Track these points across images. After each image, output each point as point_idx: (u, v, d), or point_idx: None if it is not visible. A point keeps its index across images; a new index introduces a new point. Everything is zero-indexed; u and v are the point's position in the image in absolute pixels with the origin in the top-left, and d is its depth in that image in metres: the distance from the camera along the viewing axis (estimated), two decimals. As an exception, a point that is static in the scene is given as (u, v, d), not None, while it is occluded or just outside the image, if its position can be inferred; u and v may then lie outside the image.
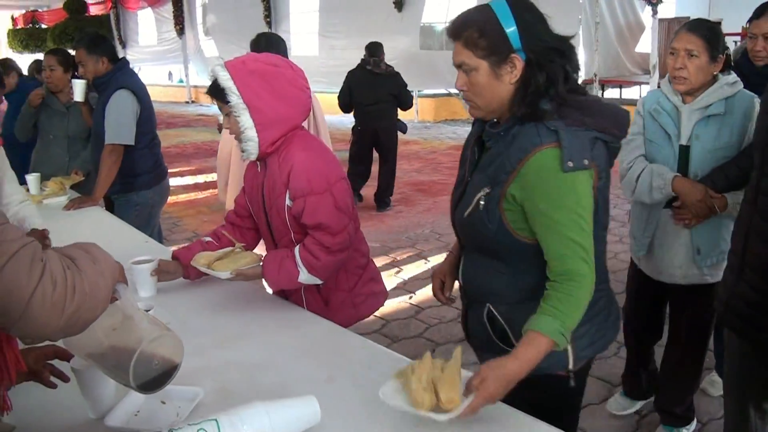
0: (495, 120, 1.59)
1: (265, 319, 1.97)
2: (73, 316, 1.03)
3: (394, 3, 12.36)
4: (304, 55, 12.69)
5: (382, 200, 6.81)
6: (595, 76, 10.94)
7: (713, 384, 3.03)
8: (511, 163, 1.50)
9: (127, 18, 20.59)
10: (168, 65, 20.49)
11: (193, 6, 17.74)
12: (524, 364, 1.40)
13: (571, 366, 1.59)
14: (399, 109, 6.73)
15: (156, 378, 1.32)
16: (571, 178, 1.45)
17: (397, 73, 6.64)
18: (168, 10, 18.07)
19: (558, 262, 1.47)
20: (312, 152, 2.03)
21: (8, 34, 23.73)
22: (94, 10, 21.37)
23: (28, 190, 3.54)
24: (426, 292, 4.48)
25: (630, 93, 12.80)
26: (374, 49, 6.61)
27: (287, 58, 2.26)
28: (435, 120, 13.96)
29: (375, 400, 1.51)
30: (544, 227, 1.49)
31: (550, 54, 1.49)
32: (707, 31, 2.30)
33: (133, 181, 3.66)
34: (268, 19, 14.99)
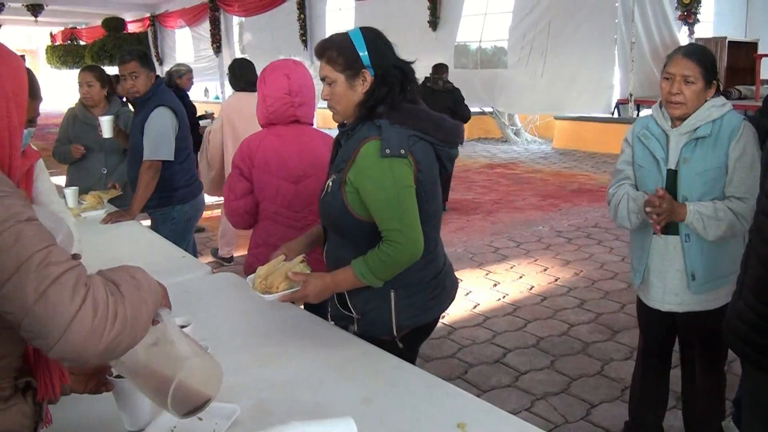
0: (345, 123, 1.97)
1: (302, 338, 1.96)
2: (113, 342, 1.03)
3: (428, 22, 12.43)
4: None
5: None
6: (631, 95, 10.83)
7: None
8: (349, 153, 1.89)
9: (164, 36, 21.03)
10: (204, 82, 20.82)
11: (229, 25, 18.06)
12: (337, 283, 1.92)
13: (395, 332, 1.97)
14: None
15: (192, 408, 1.32)
16: (388, 163, 1.82)
17: (454, 89, 7.36)
18: (205, 28, 18.42)
19: (382, 230, 1.85)
20: None
21: (47, 50, 24.38)
22: (133, 28, 21.87)
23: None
24: (459, 313, 4.44)
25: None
26: (436, 69, 7.57)
27: (256, 80, 2.86)
28: (468, 138, 13.94)
29: (413, 423, 1.49)
30: (372, 203, 1.85)
31: (393, 71, 1.88)
32: (703, 56, 2.29)
33: (171, 196, 3.71)
34: (304, 38, 15.20)
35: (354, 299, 1.98)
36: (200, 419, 1.51)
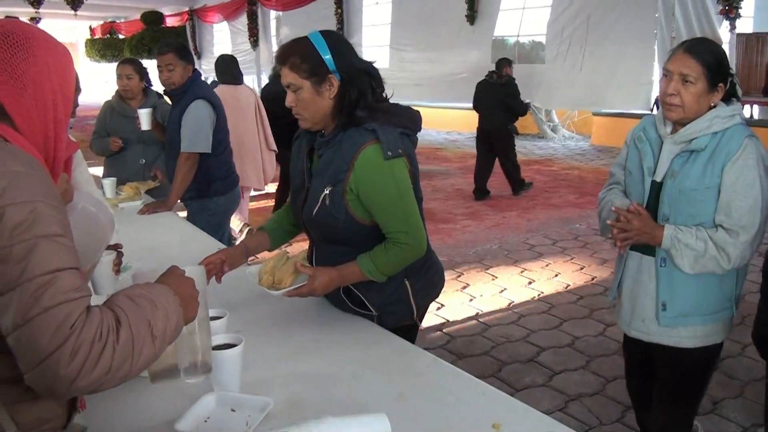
0: (322, 132, 1.94)
1: (335, 332, 1.95)
2: (95, 382, 0.99)
3: (466, 16, 12.31)
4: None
5: (513, 189, 7.95)
6: (671, 92, 10.60)
7: None
8: (345, 162, 1.85)
9: (202, 30, 21.23)
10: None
11: (267, 19, 18.16)
12: (344, 277, 1.92)
13: (415, 316, 2.06)
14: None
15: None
16: (390, 165, 1.83)
17: (508, 83, 7.59)
18: (243, 22, 18.54)
19: (387, 232, 1.89)
20: None
21: (86, 43, 24.79)
22: (171, 22, 22.11)
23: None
24: (494, 310, 4.40)
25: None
26: (498, 63, 7.98)
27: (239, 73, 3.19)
28: (504, 134, 13.80)
29: (447, 421, 1.47)
30: (376, 208, 1.87)
31: (359, 74, 1.86)
32: (708, 54, 1.97)
33: (207, 188, 3.74)
34: (341, 32, 15.19)
35: (371, 298, 2.00)
36: (233, 411, 1.51)
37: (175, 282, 1.25)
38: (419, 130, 2.00)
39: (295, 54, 1.84)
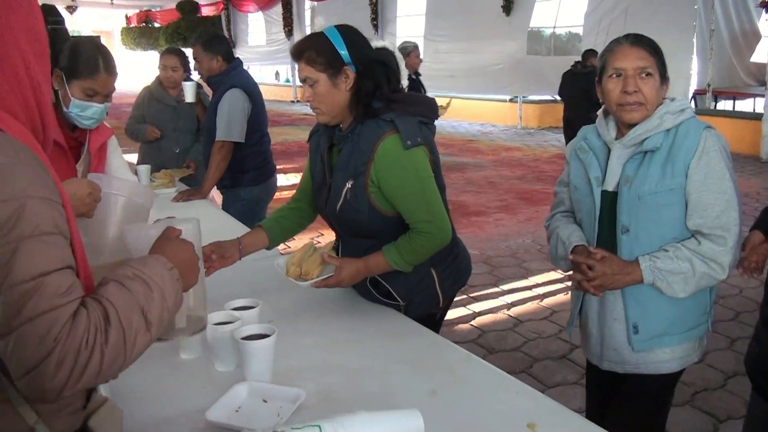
0: (339, 127, 1.93)
1: (368, 325, 1.94)
2: (86, 383, 0.96)
3: (502, 7, 12.19)
4: (408, 58, 12.78)
5: None
6: (709, 86, 10.38)
7: None
8: (365, 154, 1.85)
9: (237, 19, 21.38)
10: (275, 65, 21.13)
11: (301, 8, 18.21)
12: (370, 268, 1.93)
13: (441, 304, 2.07)
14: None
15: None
16: (410, 154, 1.83)
17: (592, 73, 7.64)
18: (277, 12, 18.63)
19: (411, 222, 1.88)
20: None
21: (122, 32, 25.12)
22: (206, 11, 22.29)
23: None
24: (526, 305, 4.35)
25: (744, 105, 12.08)
26: (584, 54, 8.49)
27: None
28: (539, 126, 13.67)
29: (480, 418, 1.44)
30: (398, 198, 1.87)
31: (374, 65, 1.87)
32: (652, 43, 1.82)
33: (241, 177, 3.75)
34: (375, 22, 15.17)
35: (398, 289, 2.00)
36: (265, 401, 1.51)
37: (172, 250, 1.19)
38: (436, 117, 2.00)
39: (311, 48, 1.85)
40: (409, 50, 6.22)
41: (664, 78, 1.82)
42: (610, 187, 1.85)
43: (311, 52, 1.85)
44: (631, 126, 1.82)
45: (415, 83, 6.15)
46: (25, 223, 0.92)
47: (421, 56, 6.60)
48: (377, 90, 1.87)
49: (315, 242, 2.06)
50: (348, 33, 1.88)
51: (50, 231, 0.94)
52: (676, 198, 1.77)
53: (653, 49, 1.80)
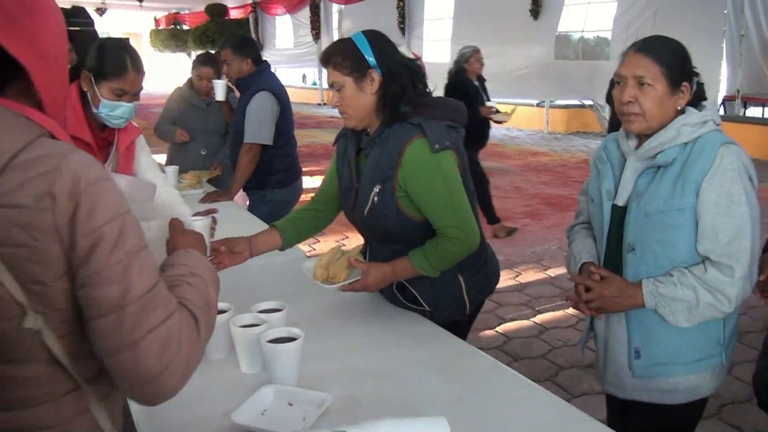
0: (367, 131, 1.94)
1: (395, 330, 1.93)
2: (190, 375, 1.03)
3: (530, 11, 12.11)
4: (435, 62, 12.72)
5: None
6: (738, 92, 10.21)
7: None
8: (392, 158, 1.85)
9: (265, 22, 21.53)
10: (303, 68, 21.21)
11: (329, 12, 18.28)
12: (396, 273, 1.92)
13: (467, 311, 2.05)
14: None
15: None
16: (437, 158, 1.82)
17: None
18: (305, 15, 18.72)
19: (438, 227, 1.86)
20: None
21: (151, 34, 25.42)
22: (234, 14, 22.47)
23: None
24: (551, 312, 4.31)
25: (773, 113, 11.82)
26: None
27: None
28: (566, 131, 13.55)
29: (506, 428, 1.43)
30: (425, 203, 1.86)
31: (399, 69, 1.87)
32: (664, 50, 1.67)
33: (268, 179, 3.77)
34: (402, 26, 15.17)
35: (424, 294, 1.98)
36: (290, 404, 1.50)
37: (192, 241, 1.37)
38: (465, 122, 1.98)
39: (338, 53, 1.88)
40: (469, 55, 5.90)
41: (677, 87, 1.66)
42: (620, 201, 1.74)
43: (338, 56, 1.87)
44: (647, 135, 1.71)
45: (478, 89, 5.93)
46: (129, 238, 0.96)
47: (449, 59, 6.49)
48: (404, 94, 1.87)
49: (341, 246, 2.06)
50: (375, 37, 1.90)
51: (145, 243, 1.00)
52: (685, 219, 1.63)
53: (660, 56, 1.64)
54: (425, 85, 1.95)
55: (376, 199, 1.90)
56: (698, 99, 1.73)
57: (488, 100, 5.97)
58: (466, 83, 5.82)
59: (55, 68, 1.01)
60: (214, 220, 2.15)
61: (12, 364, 0.98)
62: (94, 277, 0.93)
